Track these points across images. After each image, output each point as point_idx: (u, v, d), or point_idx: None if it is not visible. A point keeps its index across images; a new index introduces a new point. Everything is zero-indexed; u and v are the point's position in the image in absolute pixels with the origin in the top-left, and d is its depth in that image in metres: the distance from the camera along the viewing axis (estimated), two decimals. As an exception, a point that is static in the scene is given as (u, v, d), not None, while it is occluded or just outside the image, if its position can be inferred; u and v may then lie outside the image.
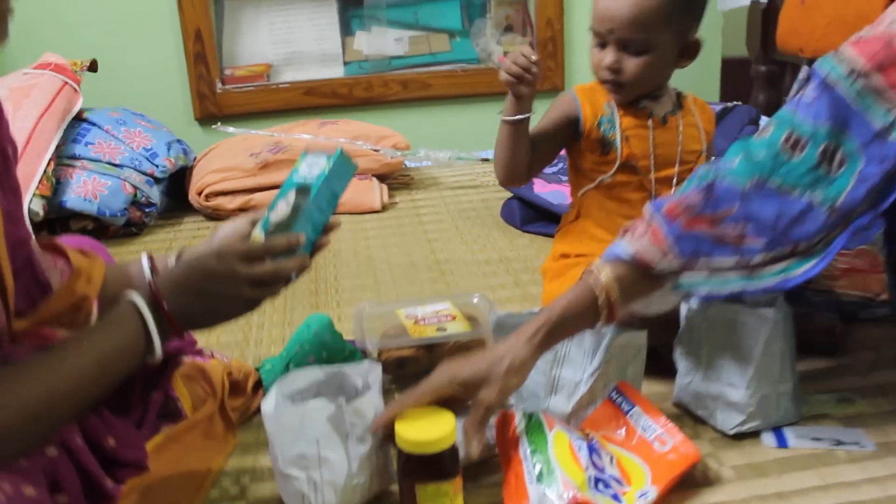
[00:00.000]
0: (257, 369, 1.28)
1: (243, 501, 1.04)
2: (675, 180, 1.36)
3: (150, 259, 1.13)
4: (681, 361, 1.15)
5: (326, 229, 1.07)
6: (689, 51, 1.35)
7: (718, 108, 2.14)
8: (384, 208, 2.18)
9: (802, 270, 1.00)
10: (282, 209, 1.08)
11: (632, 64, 1.31)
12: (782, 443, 1.08)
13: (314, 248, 1.06)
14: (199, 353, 1.27)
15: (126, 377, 1.00)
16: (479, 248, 1.87)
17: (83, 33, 2.66)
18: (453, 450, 0.94)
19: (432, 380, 1.00)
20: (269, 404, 0.96)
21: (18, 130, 1.98)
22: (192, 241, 2.01)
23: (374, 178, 2.24)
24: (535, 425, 1.00)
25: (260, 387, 1.27)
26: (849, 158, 0.98)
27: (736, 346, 1.09)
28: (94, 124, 2.18)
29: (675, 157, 1.37)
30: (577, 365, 1.10)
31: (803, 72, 2.32)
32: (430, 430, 0.93)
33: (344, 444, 0.96)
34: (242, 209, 2.16)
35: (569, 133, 1.39)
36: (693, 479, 1.02)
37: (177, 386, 1.19)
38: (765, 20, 2.62)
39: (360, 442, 0.97)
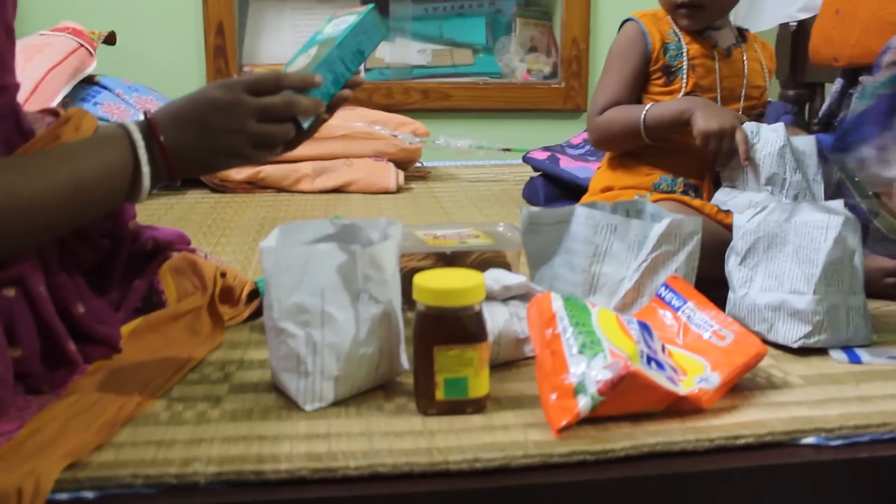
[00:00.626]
0: (255, 282, 1.15)
1: (226, 385, 0.88)
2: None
3: (145, 114, 1.02)
4: (734, 273, 1.02)
5: (349, 84, 0.97)
6: None
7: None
8: (399, 190, 2.06)
9: None
10: (300, 62, 0.98)
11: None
12: (854, 358, 0.94)
13: (333, 100, 0.95)
14: (193, 251, 1.13)
15: (104, 209, 0.89)
16: (499, 218, 1.74)
17: (104, 16, 2.60)
18: (480, 311, 0.80)
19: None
20: (269, 240, 0.82)
21: (26, 79, 1.89)
22: (195, 207, 1.88)
23: (391, 162, 2.13)
24: (574, 303, 0.85)
25: (255, 297, 1.12)
26: None
27: (800, 248, 0.96)
28: (105, 87, 2.10)
29: (740, 90, 1.30)
30: (620, 260, 0.97)
31: (838, 83, 2.23)
32: (455, 280, 0.79)
33: (354, 301, 0.81)
34: (250, 181, 2.05)
35: (645, 67, 1.29)
36: (756, 383, 0.87)
37: (164, 279, 1.07)
38: (794, 42, 2.56)
39: (372, 301, 0.82)
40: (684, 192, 1.24)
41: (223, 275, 1.10)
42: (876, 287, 1.15)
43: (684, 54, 1.26)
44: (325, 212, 1.83)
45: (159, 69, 2.66)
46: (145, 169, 0.85)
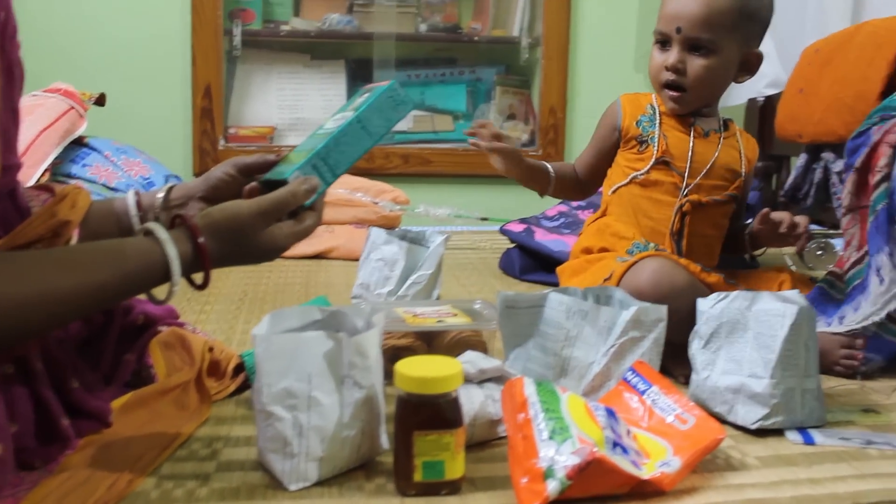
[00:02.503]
0: (241, 355, 1.19)
1: (214, 462, 0.93)
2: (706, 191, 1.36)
3: (137, 194, 1.08)
4: (698, 355, 1.08)
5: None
6: (749, 63, 1.38)
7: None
8: (379, 257, 2.12)
9: None
10: (329, 125, 1.03)
11: (696, 65, 1.32)
12: (808, 440, 0.99)
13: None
14: (182, 325, 1.18)
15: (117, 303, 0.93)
16: (476, 290, 1.80)
17: (95, 76, 2.67)
18: (457, 398, 0.85)
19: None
20: (261, 327, 0.88)
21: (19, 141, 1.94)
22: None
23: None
24: (546, 388, 0.90)
25: (241, 371, 1.17)
26: None
27: (759, 335, 1.02)
28: (94, 149, 2.15)
29: (711, 167, 1.37)
30: (589, 345, 1.02)
31: (802, 158, 2.33)
32: (434, 369, 0.84)
33: (339, 386, 0.86)
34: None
35: (614, 140, 1.42)
36: (715, 465, 0.93)
37: (153, 353, 1.12)
38: (762, 117, 2.66)
39: (356, 386, 0.87)
40: None
41: (211, 349, 1.15)
42: (833, 364, 1.21)
43: (657, 126, 1.36)
44: (307, 278, 1.88)
45: (147, 129, 2.73)
46: (176, 268, 0.88)
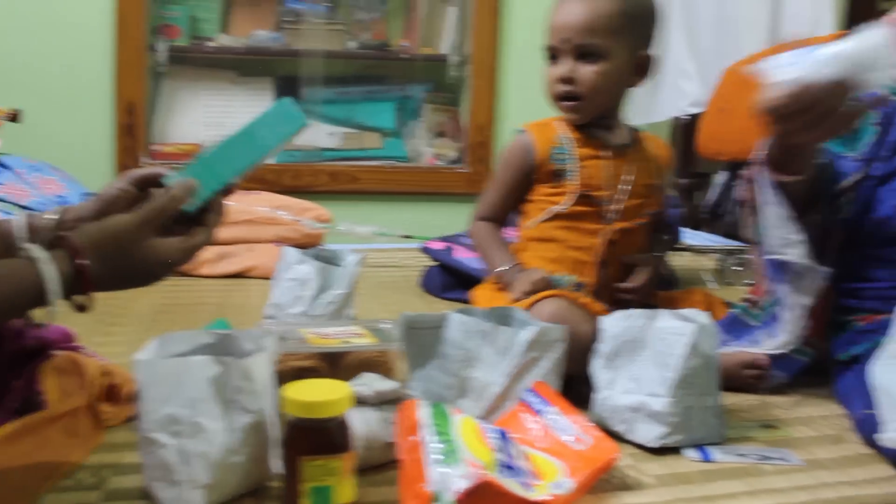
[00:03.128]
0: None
1: (98, 492, 0.89)
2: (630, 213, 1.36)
3: (29, 216, 1.04)
4: (599, 374, 1.08)
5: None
6: (642, 66, 1.36)
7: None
8: (300, 276, 2.09)
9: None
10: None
11: (587, 72, 1.31)
12: (706, 456, 1.00)
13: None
14: (77, 349, 1.14)
15: None
16: (397, 308, 1.78)
17: (11, 92, 2.59)
18: (344, 422, 0.84)
19: None
20: (145, 353, 0.85)
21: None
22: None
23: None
24: (439, 411, 0.90)
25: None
26: None
27: (658, 353, 1.03)
28: (6, 167, 2.09)
29: (632, 188, 1.36)
30: (489, 365, 1.02)
31: (722, 176, 2.38)
32: (320, 392, 0.83)
33: (225, 411, 0.84)
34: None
35: (528, 177, 1.38)
36: (611, 484, 0.92)
37: (45, 379, 1.07)
38: (685, 135, 2.71)
39: (244, 411, 0.85)
40: (575, 291, 1.30)
41: (107, 374, 1.11)
42: (737, 380, 1.23)
43: (573, 156, 1.34)
44: (223, 298, 1.84)
45: (67, 147, 2.66)
46: (53, 290, 0.84)
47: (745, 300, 1.33)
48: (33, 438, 0.99)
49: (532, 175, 1.37)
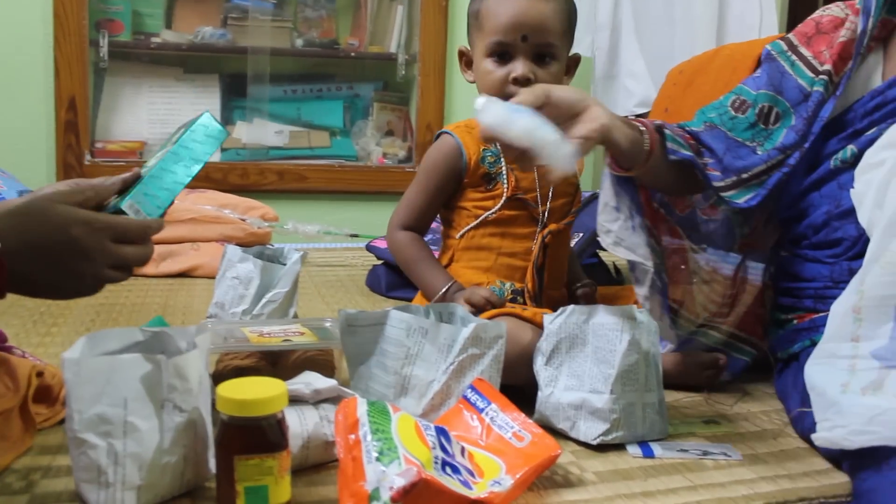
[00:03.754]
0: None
1: (27, 495, 0.87)
2: (558, 212, 1.33)
3: None
4: (541, 372, 1.07)
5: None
6: (572, 67, 1.33)
7: (587, 194, 2.16)
8: (245, 275, 2.06)
9: (745, 199, 1.18)
10: (151, 163, 1.02)
11: (544, 75, 1.24)
12: (648, 453, 1.00)
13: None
14: (9, 349, 1.11)
15: None
16: (340, 307, 1.76)
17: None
18: (281, 420, 0.82)
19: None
20: (73, 351, 0.82)
21: None
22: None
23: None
24: (378, 408, 0.88)
25: (73, 397, 1.10)
26: (783, 116, 1.23)
27: (598, 349, 1.03)
28: (-63, 164, 2.03)
29: (557, 187, 1.32)
30: (430, 362, 1.01)
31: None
32: (255, 390, 0.81)
33: (157, 410, 0.82)
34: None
35: (457, 181, 1.31)
36: (553, 482, 0.92)
37: (-27, 379, 1.04)
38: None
39: (177, 410, 0.83)
40: (513, 299, 1.28)
41: (40, 374, 1.08)
42: (697, 380, 1.23)
43: (502, 160, 1.30)
44: (167, 297, 1.81)
45: (6, 143, 2.60)
46: None
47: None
48: (-40, 441, 0.96)
49: (462, 179, 1.30)
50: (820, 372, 0.93)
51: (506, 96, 1.28)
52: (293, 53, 2.98)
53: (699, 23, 2.78)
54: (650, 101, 2.64)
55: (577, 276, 1.42)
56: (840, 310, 0.94)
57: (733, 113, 1.25)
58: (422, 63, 2.94)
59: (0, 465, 0.92)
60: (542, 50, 1.25)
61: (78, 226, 0.88)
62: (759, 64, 1.30)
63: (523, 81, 1.23)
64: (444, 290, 1.26)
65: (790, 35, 1.29)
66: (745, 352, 1.27)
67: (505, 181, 1.29)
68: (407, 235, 1.33)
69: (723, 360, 1.24)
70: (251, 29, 2.91)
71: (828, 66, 1.21)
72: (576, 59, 1.33)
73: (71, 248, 0.88)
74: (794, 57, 1.26)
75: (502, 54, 1.25)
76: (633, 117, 2.74)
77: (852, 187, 1.01)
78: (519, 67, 1.24)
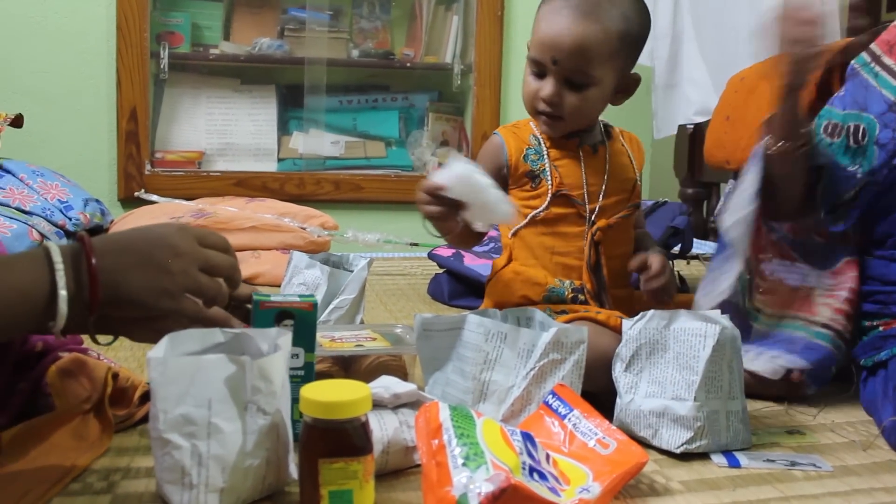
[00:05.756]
0: (149, 382, 1.13)
1: (109, 496, 0.87)
2: (611, 210, 1.29)
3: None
4: (620, 379, 1.05)
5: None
6: (627, 86, 1.29)
7: (650, 203, 2.13)
8: (306, 283, 2.06)
9: (842, 223, 1.22)
10: None
11: (572, 98, 1.23)
12: (734, 462, 0.97)
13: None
14: (84, 351, 1.11)
15: (14, 333, 0.85)
16: (403, 316, 1.76)
17: (13, 97, 2.58)
18: (365, 423, 0.81)
19: None
20: (157, 350, 0.82)
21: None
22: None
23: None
24: (461, 413, 0.86)
25: (148, 399, 1.10)
26: (868, 128, 1.21)
27: (680, 355, 1.00)
28: (8, 171, 2.07)
29: (610, 185, 1.29)
30: (509, 368, 0.99)
31: (730, 185, 2.36)
32: (339, 393, 0.80)
33: (241, 413, 0.81)
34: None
35: (502, 179, 1.29)
36: (638, 490, 0.90)
37: (52, 381, 1.04)
38: (691, 143, 2.69)
39: (260, 413, 0.82)
40: (573, 298, 1.26)
41: (115, 376, 1.08)
42: (774, 390, 1.20)
43: (545, 157, 1.28)
44: (230, 305, 1.82)
45: (69, 153, 2.64)
46: (62, 293, 0.81)
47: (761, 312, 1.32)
48: (40, 441, 0.96)
49: (506, 176, 1.29)
50: None
51: (535, 110, 1.26)
52: (349, 64, 3.00)
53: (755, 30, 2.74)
54: (710, 109, 2.60)
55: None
56: None
57: (829, 140, 1.24)
58: (477, 73, 2.93)
59: (80, 465, 0.92)
60: (573, 77, 1.22)
61: (166, 226, 0.89)
62: (843, 80, 1.28)
63: (549, 102, 1.24)
64: None
65: (873, 45, 1.26)
66: (833, 342, 1.23)
67: (549, 178, 1.27)
68: None
69: (796, 374, 1.20)
70: (308, 40, 2.93)
71: None
72: (636, 79, 1.30)
73: (161, 243, 0.87)
74: (877, 68, 1.23)
75: (538, 71, 1.25)
76: (693, 126, 2.70)
77: None
78: (546, 88, 1.23)
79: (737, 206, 1.22)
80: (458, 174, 1.10)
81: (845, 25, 3.05)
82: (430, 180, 1.09)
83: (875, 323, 1.19)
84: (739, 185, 1.22)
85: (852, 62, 1.27)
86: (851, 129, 1.22)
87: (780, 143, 1.20)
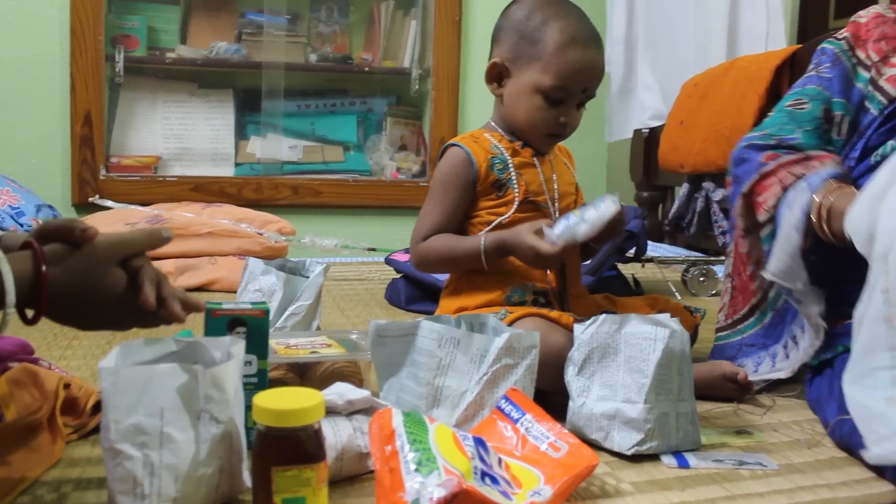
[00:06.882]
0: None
1: (60, 507, 0.86)
2: (564, 212, 1.32)
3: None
4: (573, 382, 1.06)
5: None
6: None
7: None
8: (263, 289, 2.06)
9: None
10: None
11: (578, 117, 1.32)
12: (683, 463, 0.99)
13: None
14: (35, 361, 1.10)
15: None
16: (361, 321, 1.77)
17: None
18: (318, 430, 0.81)
19: None
20: (108, 360, 0.82)
21: None
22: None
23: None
24: (414, 419, 0.87)
25: (101, 409, 1.10)
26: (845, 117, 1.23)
27: (631, 359, 1.02)
28: (-44, 178, 2.04)
29: (560, 189, 1.34)
30: (462, 373, 1.00)
31: (684, 188, 2.38)
32: (292, 401, 0.80)
33: (194, 421, 0.81)
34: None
35: (472, 191, 1.31)
36: (590, 492, 0.91)
37: (0, 391, 1.03)
38: (647, 147, 2.73)
39: (213, 422, 0.82)
40: (535, 301, 1.28)
41: (67, 386, 1.07)
42: (721, 391, 1.22)
43: (510, 166, 1.31)
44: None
45: (21, 158, 2.61)
46: (9, 288, 0.81)
47: (719, 328, 1.35)
48: (-10, 453, 0.95)
49: (475, 188, 1.31)
50: (860, 389, 0.91)
51: (547, 133, 1.29)
52: (307, 68, 2.99)
53: (710, 35, 2.78)
54: (664, 114, 2.64)
55: None
56: (868, 320, 0.92)
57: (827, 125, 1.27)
58: (435, 77, 2.94)
59: (30, 477, 0.92)
60: (586, 100, 1.31)
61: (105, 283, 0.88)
62: (791, 84, 1.32)
63: (573, 126, 1.32)
64: (483, 244, 1.26)
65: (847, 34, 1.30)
66: None
67: (515, 186, 1.30)
68: (431, 238, 1.31)
69: (742, 374, 1.23)
70: (265, 44, 2.92)
71: (887, 84, 1.21)
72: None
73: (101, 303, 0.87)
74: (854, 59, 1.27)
75: (558, 99, 1.28)
76: (648, 130, 2.73)
77: None
78: (572, 114, 1.30)
79: (782, 262, 1.18)
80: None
81: (795, 31, 3.11)
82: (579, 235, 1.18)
83: (821, 323, 1.22)
84: (780, 235, 1.18)
85: (830, 47, 1.29)
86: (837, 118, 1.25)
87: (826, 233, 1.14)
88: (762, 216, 1.23)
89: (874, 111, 1.21)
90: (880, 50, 1.24)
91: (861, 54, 1.26)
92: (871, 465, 0.97)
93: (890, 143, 1.17)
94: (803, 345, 1.22)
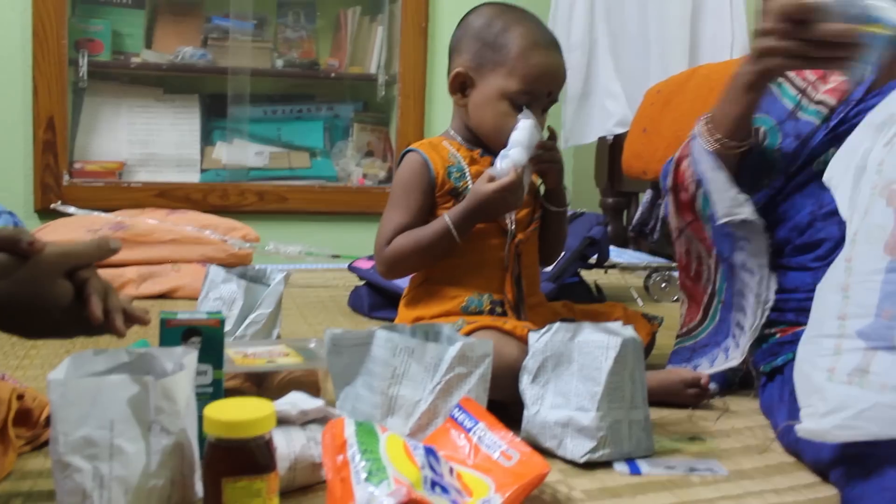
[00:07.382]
0: (53, 403, 1.11)
1: (9, 520, 0.86)
2: (524, 221, 1.34)
3: None
4: (527, 391, 1.07)
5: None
6: None
7: (569, 213, 2.17)
8: (227, 296, 2.05)
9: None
10: None
11: (543, 122, 1.32)
12: (635, 470, 1.00)
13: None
14: (-14, 372, 1.09)
15: None
16: (322, 329, 1.75)
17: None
18: (269, 441, 0.81)
19: None
20: (57, 372, 0.81)
21: None
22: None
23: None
24: (365, 429, 0.88)
25: (55, 420, 1.09)
26: (769, 133, 1.26)
27: (584, 367, 1.03)
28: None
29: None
30: (416, 382, 1.01)
31: (647, 194, 2.41)
32: (242, 411, 0.80)
33: (145, 433, 0.81)
34: (70, 287, 1.98)
35: (431, 197, 1.31)
36: (541, 500, 0.92)
37: (-49, 404, 1.02)
38: (611, 154, 2.75)
39: (164, 433, 0.82)
40: (491, 310, 1.29)
41: (20, 396, 1.07)
42: (679, 397, 1.24)
43: (467, 174, 1.31)
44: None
45: (-19, 164, 2.58)
46: None
47: (678, 335, 1.37)
48: (-62, 466, 0.94)
49: (433, 194, 1.31)
50: (810, 349, 0.92)
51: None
52: (273, 74, 2.99)
53: (673, 43, 2.81)
54: (628, 120, 2.67)
55: None
56: (826, 287, 0.94)
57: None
58: (402, 84, 2.95)
59: (-20, 489, 0.91)
60: (551, 103, 1.33)
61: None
62: None
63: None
64: (448, 219, 1.26)
65: None
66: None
67: None
68: (395, 239, 1.30)
69: (705, 378, 1.25)
70: (231, 49, 2.91)
71: (825, 97, 1.23)
72: None
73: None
74: (780, 78, 1.27)
75: (524, 104, 1.28)
76: (612, 137, 2.75)
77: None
78: (540, 119, 1.30)
79: (724, 202, 1.22)
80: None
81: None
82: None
83: (773, 330, 1.24)
84: (709, 184, 1.22)
85: None
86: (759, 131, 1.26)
87: (722, 141, 1.20)
88: (689, 184, 1.25)
89: (815, 121, 1.23)
90: (818, 70, 1.26)
91: (791, 74, 1.27)
92: (816, 469, 0.99)
93: (832, 150, 1.19)
94: (747, 325, 1.24)
